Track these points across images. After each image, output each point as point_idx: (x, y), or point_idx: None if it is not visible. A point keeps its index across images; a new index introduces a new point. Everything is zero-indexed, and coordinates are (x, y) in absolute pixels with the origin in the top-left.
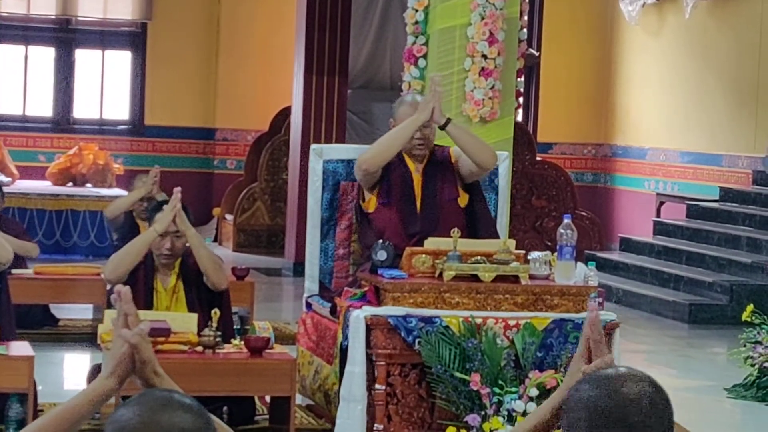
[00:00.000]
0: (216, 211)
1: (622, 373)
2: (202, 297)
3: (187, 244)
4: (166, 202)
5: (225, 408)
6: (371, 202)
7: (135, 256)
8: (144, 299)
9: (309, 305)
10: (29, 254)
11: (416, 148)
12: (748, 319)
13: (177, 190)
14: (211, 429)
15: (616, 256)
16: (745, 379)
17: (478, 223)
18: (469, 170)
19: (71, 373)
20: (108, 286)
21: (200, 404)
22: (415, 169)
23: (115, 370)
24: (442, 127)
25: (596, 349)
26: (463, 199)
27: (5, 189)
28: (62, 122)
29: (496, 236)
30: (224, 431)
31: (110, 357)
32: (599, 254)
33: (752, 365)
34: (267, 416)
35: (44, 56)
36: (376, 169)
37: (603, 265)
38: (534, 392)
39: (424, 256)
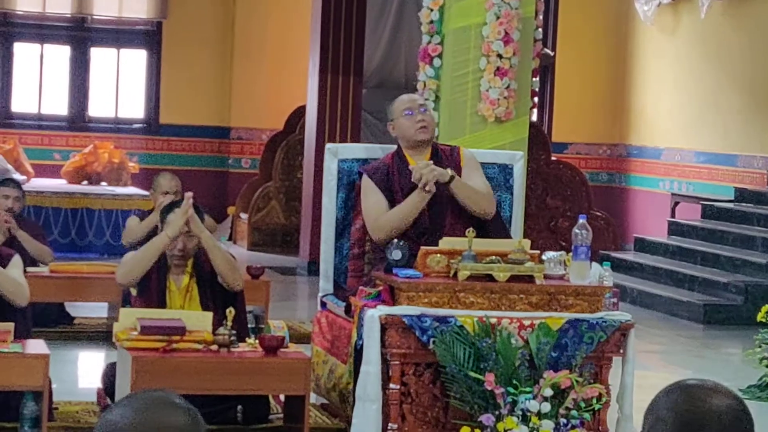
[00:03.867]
0: (231, 209)
1: (712, 386)
2: (217, 296)
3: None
4: (177, 203)
5: (239, 407)
6: None
7: (148, 261)
8: (157, 299)
9: (324, 304)
10: (43, 259)
11: (420, 132)
12: (763, 320)
13: (188, 195)
14: (201, 428)
15: (630, 256)
16: (760, 380)
17: (489, 224)
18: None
19: (86, 371)
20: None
21: (189, 403)
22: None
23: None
24: (446, 184)
25: None
26: None
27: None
28: (77, 121)
29: (507, 235)
30: None
31: None
32: (614, 254)
33: (767, 366)
34: (281, 415)
35: (59, 55)
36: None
37: (618, 266)
38: (548, 392)
39: (438, 255)
